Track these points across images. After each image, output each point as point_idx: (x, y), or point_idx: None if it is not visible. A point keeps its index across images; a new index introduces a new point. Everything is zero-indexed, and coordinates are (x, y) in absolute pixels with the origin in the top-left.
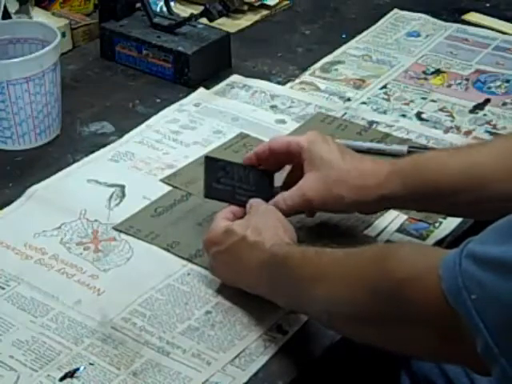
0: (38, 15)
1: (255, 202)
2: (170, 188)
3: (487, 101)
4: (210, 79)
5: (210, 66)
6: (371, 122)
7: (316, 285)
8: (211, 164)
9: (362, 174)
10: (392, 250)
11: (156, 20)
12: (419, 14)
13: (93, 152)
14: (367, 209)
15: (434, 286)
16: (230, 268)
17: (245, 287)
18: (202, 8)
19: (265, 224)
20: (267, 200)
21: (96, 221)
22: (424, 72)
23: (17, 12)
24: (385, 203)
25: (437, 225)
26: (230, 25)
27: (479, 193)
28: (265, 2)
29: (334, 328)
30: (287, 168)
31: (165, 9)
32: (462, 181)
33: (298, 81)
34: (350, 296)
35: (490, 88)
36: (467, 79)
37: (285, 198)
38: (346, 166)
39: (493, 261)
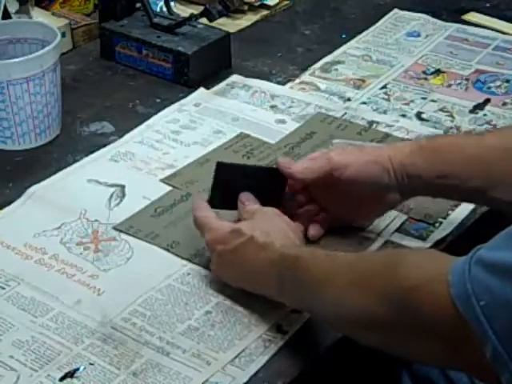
0: (38, 15)
1: (250, 206)
2: (170, 188)
3: (487, 101)
4: (209, 79)
5: (209, 65)
6: (371, 122)
7: (325, 287)
8: (220, 171)
9: (389, 146)
10: (402, 256)
11: (156, 20)
12: (419, 14)
13: (93, 152)
14: (387, 183)
15: (443, 292)
16: (236, 268)
17: (250, 287)
18: (202, 8)
19: (273, 226)
20: (277, 200)
21: (96, 221)
22: (424, 72)
23: (17, 12)
24: (404, 177)
25: (437, 225)
26: (230, 25)
27: (489, 179)
28: (265, 2)
29: (342, 331)
30: None
31: (165, 9)
32: (474, 164)
33: (298, 81)
34: (359, 301)
35: (489, 88)
36: (467, 79)
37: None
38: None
39: (502, 267)
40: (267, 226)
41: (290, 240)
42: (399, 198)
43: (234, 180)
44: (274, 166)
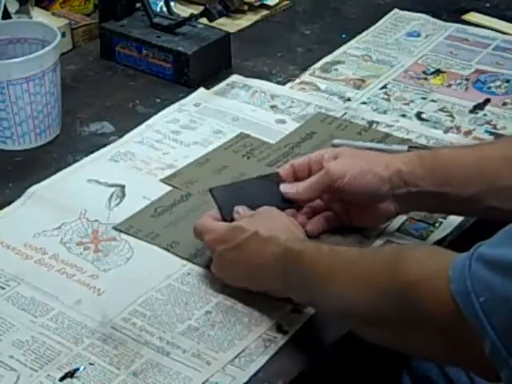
0: (38, 15)
1: (245, 213)
2: (170, 188)
3: (487, 101)
4: (209, 79)
5: (209, 65)
6: (371, 122)
7: (329, 282)
8: (218, 194)
9: (385, 154)
10: (404, 252)
11: (156, 20)
12: (419, 14)
13: (93, 152)
14: (382, 192)
15: (443, 287)
16: (239, 266)
17: (253, 284)
18: (202, 8)
19: (275, 222)
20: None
21: (96, 221)
22: (424, 72)
23: (17, 12)
24: (401, 186)
25: (437, 225)
26: (230, 25)
27: (487, 187)
28: (265, 2)
29: (346, 326)
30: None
31: (165, 9)
32: (473, 172)
33: (298, 81)
34: (362, 296)
35: (489, 88)
36: (467, 79)
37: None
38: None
39: (502, 263)
40: (269, 221)
41: (294, 234)
42: (394, 209)
43: (235, 198)
44: (265, 173)
